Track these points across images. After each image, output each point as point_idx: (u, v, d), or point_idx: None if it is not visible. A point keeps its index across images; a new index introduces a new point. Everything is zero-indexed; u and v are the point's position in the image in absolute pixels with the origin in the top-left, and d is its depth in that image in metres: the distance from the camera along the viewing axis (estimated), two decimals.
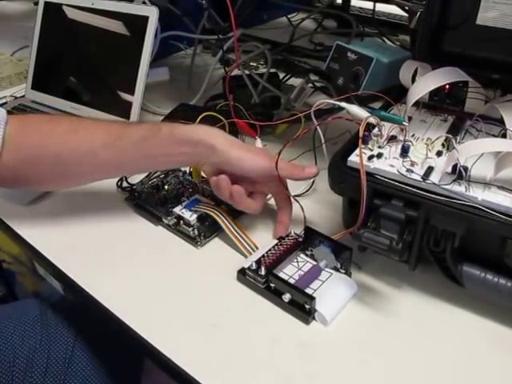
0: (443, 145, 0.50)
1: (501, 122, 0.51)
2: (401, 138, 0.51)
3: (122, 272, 0.56)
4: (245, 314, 0.51)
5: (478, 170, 0.45)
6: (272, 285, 0.51)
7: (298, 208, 0.59)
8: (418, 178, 0.45)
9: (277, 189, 0.59)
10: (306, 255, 0.55)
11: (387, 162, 0.48)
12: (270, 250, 0.54)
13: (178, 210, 0.61)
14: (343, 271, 0.53)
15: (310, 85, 0.91)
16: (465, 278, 0.47)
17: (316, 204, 0.63)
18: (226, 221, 0.58)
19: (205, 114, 0.67)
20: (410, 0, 0.83)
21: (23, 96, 0.96)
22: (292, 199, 0.59)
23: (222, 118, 0.67)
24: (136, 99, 0.80)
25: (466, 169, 0.44)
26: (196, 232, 0.59)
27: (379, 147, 0.50)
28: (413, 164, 0.47)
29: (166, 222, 0.61)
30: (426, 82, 0.52)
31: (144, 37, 0.79)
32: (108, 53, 0.86)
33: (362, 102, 0.61)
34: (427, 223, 0.46)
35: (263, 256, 0.53)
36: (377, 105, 0.62)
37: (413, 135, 0.52)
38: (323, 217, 0.61)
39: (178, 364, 0.46)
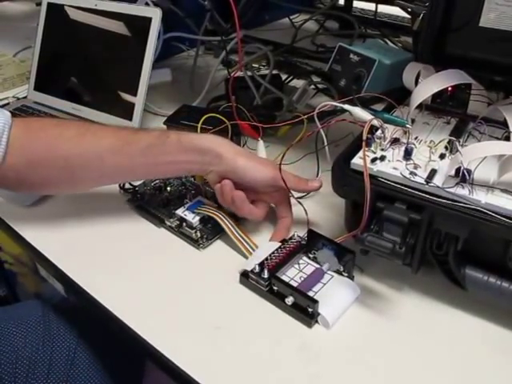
0: (446, 147, 0.50)
1: (504, 124, 0.51)
2: (404, 140, 0.51)
3: (124, 274, 0.56)
4: (247, 317, 0.50)
5: (482, 172, 0.45)
6: (275, 288, 0.51)
7: (301, 210, 0.59)
8: (422, 181, 0.45)
9: (279, 199, 0.59)
10: (309, 258, 0.55)
11: (390, 165, 0.48)
12: (273, 252, 0.54)
13: (180, 211, 0.61)
14: (346, 274, 0.53)
15: (312, 86, 0.91)
16: (467, 281, 0.47)
17: (319, 206, 0.63)
18: (228, 223, 0.58)
19: (208, 115, 0.67)
20: (413, 1, 0.82)
21: (25, 97, 0.96)
22: (295, 201, 0.59)
23: (224, 119, 0.67)
24: (138, 100, 0.81)
25: (469, 172, 0.44)
26: (198, 234, 0.59)
27: (382, 150, 0.50)
28: (416, 167, 0.47)
29: (168, 223, 0.61)
30: (429, 85, 0.52)
31: (147, 38, 0.79)
32: (111, 54, 0.86)
33: (364, 103, 0.61)
34: (430, 226, 0.45)
35: (266, 259, 0.53)
36: (378, 106, 0.62)
37: (416, 138, 0.52)
38: (326, 219, 0.61)
39: (179, 365, 0.46)
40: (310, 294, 0.50)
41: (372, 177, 0.46)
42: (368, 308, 0.51)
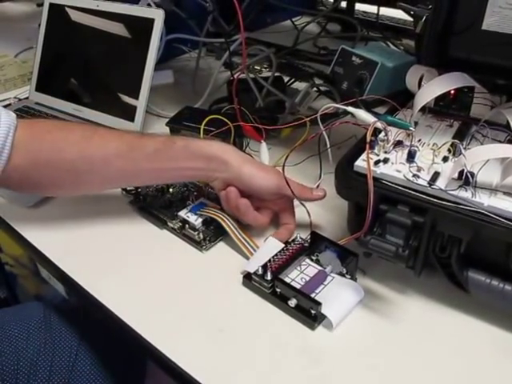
0: (449, 150, 0.50)
1: (507, 127, 0.51)
2: (407, 143, 0.51)
3: (126, 275, 0.56)
4: (250, 319, 0.50)
5: (485, 175, 0.45)
6: (278, 290, 0.51)
7: (304, 212, 0.59)
8: (425, 184, 0.45)
9: (283, 206, 0.60)
10: (312, 260, 0.55)
11: (393, 167, 0.48)
12: (276, 254, 0.54)
13: (183, 213, 0.61)
14: (349, 276, 0.53)
15: (315, 89, 0.91)
16: (470, 283, 0.47)
17: (322, 208, 0.63)
18: (231, 225, 0.58)
19: (210, 116, 0.67)
20: (416, 4, 0.82)
21: (27, 98, 0.96)
22: (298, 203, 0.59)
23: (227, 121, 0.67)
24: (141, 102, 0.81)
25: (472, 174, 0.44)
26: (201, 236, 0.59)
27: (385, 152, 0.50)
28: (419, 169, 0.47)
29: (170, 225, 0.61)
30: (432, 88, 0.52)
31: (149, 39, 0.79)
32: (113, 55, 0.86)
33: (367, 106, 0.61)
34: (433, 229, 0.46)
35: (269, 261, 0.53)
36: (381, 109, 0.62)
37: (419, 140, 0.52)
38: (329, 221, 0.61)
39: (181, 366, 0.46)
40: (313, 295, 0.50)
41: (375, 179, 0.46)
42: (370, 310, 0.51)
